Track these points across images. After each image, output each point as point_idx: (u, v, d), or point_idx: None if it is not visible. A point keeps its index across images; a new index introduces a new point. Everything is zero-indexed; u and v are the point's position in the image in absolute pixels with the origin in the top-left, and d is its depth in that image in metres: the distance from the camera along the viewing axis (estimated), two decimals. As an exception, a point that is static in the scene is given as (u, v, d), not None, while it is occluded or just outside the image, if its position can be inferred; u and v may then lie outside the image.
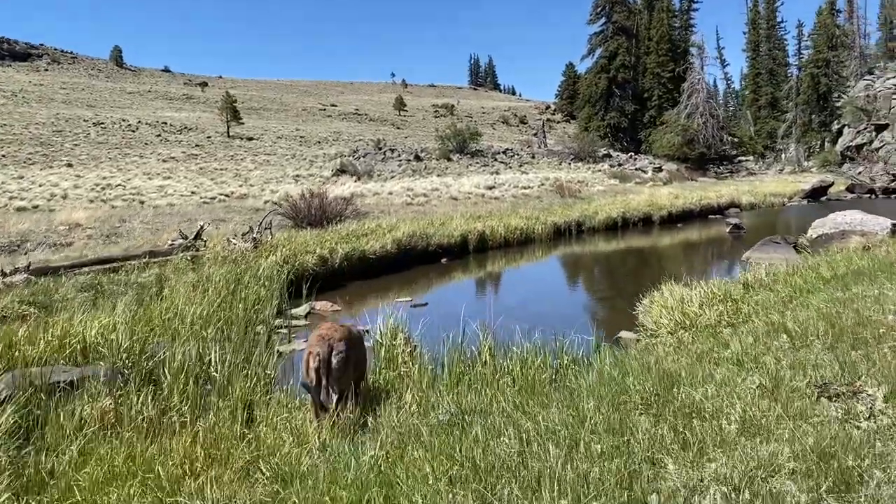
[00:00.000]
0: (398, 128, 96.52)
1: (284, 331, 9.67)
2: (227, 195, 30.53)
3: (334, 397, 5.74)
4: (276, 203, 21.74)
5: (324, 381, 5.77)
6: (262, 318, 9.79)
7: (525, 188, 32.98)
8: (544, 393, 5.00)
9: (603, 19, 75.76)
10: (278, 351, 8.63)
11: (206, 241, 13.16)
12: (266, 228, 13.82)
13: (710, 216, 28.81)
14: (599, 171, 48.53)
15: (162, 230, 18.28)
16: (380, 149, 54.90)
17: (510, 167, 49.40)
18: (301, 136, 71.31)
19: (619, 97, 73.63)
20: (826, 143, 67.58)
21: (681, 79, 69.67)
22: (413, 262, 16.44)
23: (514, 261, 18.46)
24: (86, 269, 10.71)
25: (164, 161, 49.99)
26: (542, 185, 34.66)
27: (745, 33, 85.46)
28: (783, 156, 72.44)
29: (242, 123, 71.96)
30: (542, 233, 20.94)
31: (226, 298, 10.02)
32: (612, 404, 4.10)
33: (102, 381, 5.96)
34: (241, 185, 35.14)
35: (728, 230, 22.26)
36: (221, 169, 45.65)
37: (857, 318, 5.41)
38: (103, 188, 32.50)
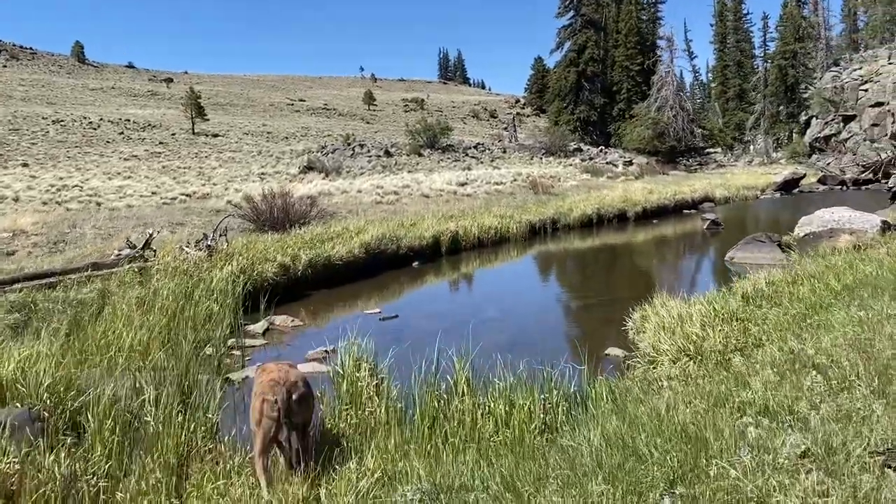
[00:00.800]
0: (368, 122, 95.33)
1: (239, 352, 8.73)
2: (188, 195, 29.31)
3: (299, 446, 4.91)
4: (235, 205, 20.68)
5: (284, 432, 4.92)
6: (215, 337, 8.85)
7: (497, 184, 32.20)
8: (538, 454, 4.18)
9: (571, 12, 75.08)
10: (227, 378, 7.72)
11: (155, 251, 12.13)
12: (222, 235, 12.84)
13: (684, 211, 28.28)
14: (571, 165, 47.93)
15: (115, 236, 17.18)
16: (349, 144, 53.80)
17: (482, 162, 48.62)
18: (268, 132, 69.90)
19: (589, 91, 73.05)
20: (794, 135, 67.73)
21: (650, 72, 69.34)
22: (382, 266, 15.55)
23: (488, 262, 17.65)
24: (18, 285, 9.67)
25: (125, 160, 48.41)
26: (515, 180, 33.92)
27: (712, 25, 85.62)
28: (751, 147, 72.50)
29: (207, 120, 70.28)
30: (517, 232, 20.16)
31: (174, 317, 9.07)
32: (627, 483, 3.28)
33: (8, 434, 5.00)
34: (203, 185, 33.89)
35: (705, 226, 21.66)
36: (184, 167, 44.26)
37: (893, 346, 4.66)
38: (59, 189, 31.07)
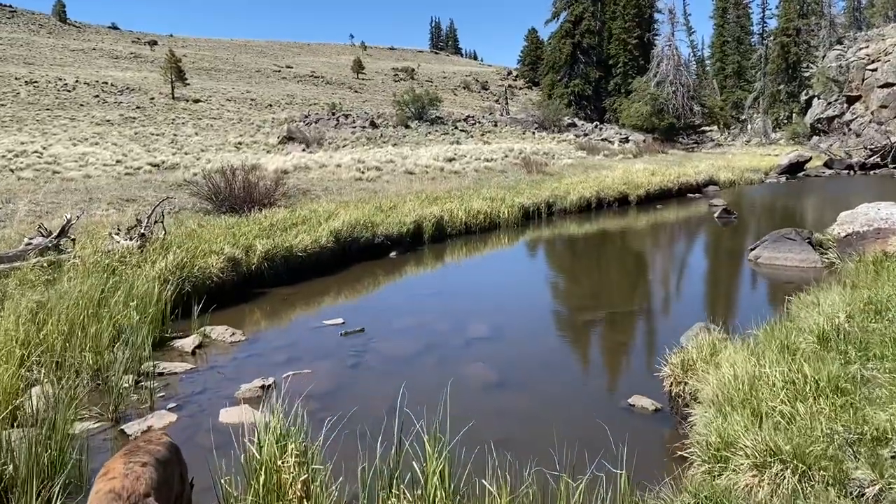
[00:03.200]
0: (356, 91, 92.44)
1: (153, 383, 6.73)
2: (155, 166, 27.09)
3: None
4: (188, 181, 18.51)
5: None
6: (127, 359, 6.84)
7: (488, 161, 30.16)
8: None
9: (569, -19, 72.48)
10: (122, 431, 5.75)
11: (74, 240, 10.05)
12: (157, 221, 10.75)
13: (688, 195, 26.37)
14: (565, 141, 45.86)
15: (52, 214, 15.07)
16: (333, 114, 51.55)
17: (472, 136, 46.49)
18: (251, 99, 67.16)
19: (584, 63, 70.67)
20: (794, 115, 65.77)
21: (647, 46, 67.11)
22: (354, 257, 13.54)
23: (476, 253, 15.67)
24: None
25: (97, 124, 45.93)
26: (506, 157, 31.89)
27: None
28: (749, 127, 70.37)
29: (188, 84, 67.58)
30: (509, 217, 18.16)
31: (72, 335, 7.06)
32: None
33: None
34: (174, 154, 31.63)
35: (716, 215, 19.70)
36: (158, 134, 41.84)
37: None
38: (16, 155, 28.68)
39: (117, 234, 10.38)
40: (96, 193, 18.45)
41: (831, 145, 48.96)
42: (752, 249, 13.58)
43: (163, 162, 28.00)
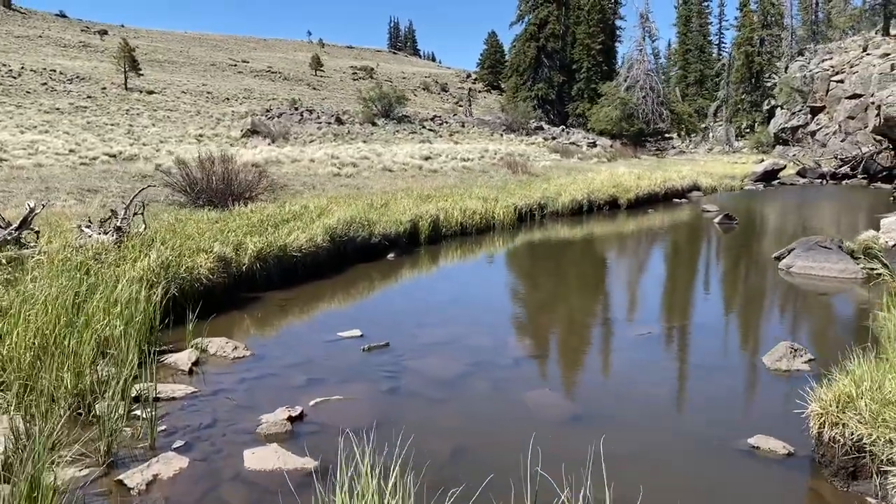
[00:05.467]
0: (314, 88, 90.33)
1: (148, 413, 5.36)
2: (112, 156, 25.28)
3: None
4: (163, 171, 16.93)
5: None
6: (114, 378, 5.48)
7: (465, 160, 29.01)
8: None
9: (533, -16, 71.91)
10: (120, 482, 4.40)
11: (38, 232, 8.55)
12: (137, 212, 9.31)
13: (674, 199, 25.61)
14: (534, 143, 45.05)
15: (5, 203, 13.40)
16: (296, 109, 49.86)
17: (440, 136, 45.34)
18: (208, 92, 64.83)
19: (548, 67, 70.09)
20: (757, 124, 66.13)
21: (611, 51, 66.76)
22: (350, 258, 12.23)
23: (480, 256, 14.49)
24: None
25: (45, 112, 43.50)
26: (483, 157, 30.79)
27: (676, 7, 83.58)
28: (710, 135, 70.55)
29: (142, 75, 65.04)
30: (504, 218, 17.02)
31: (51, 344, 5.68)
32: None
33: None
34: (131, 144, 29.78)
35: (717, 221, 18.86)
36: (112, 124, 39.73)
37: None
38: (-43, 141, 26.57)
39: (88, 226, 8.90)
40: (52, 183, 16.74)
41: (795, 155, 49.05)
42: (779, 258, 12.68)
43: (120, 152, 26.21)
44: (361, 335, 7.82)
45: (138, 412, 5.32)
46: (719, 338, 8.45)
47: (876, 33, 56.84)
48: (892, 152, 37.06)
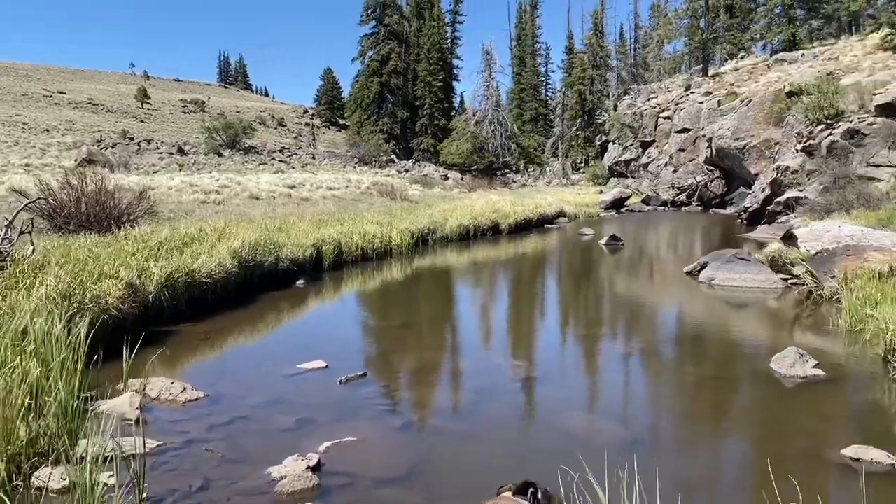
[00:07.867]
0: (142, 121, 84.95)
1: (115, 477, 3.91)
2: (-76, 185, 21.79)
3: None
4: (19, 191, 14.54)
5: None
6: (36, 440, 3.98)
7: (331, 189, 27.72)
8: None
9: (374, 21, 72.26)
10: None
11: None
12: (26, 231, 7.48)
13: (545, 225, 25.79)
14: (390, 175, 44.34)
15: None
16: (131, 139, 46.32)
17: (293, 167, 43.56)
18: (24, 123, 59.04)
19: (392, 103, 70.37)
20: (591, 158, 69.49)
21: (451, 89, 68.08)
22: (257, 286, 10.78)
23: (387, 282, 13.34)
24: None
25: None
26: (348, 186, 29.62)
27: (511, 49, 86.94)
28: (548, 169, 73.31)
29: (-57, 103, 58.15)
30: (402, 242, 16.04)
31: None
32: None
33: None
34: (-54, 174, 25.98)
35: (603, 242, 18.90)
36: (-86, 154, 34.84)
37: None
38: None
39: (-46, 249, 7.03)
40: None
41: (629, 185, 51.67)
42: (691, 272, 12.64)
43: (-66, 182, 22.69)
44: (326, 366, 6.58)
45: (106, 479, 3.85)
46: (715, 349, 7.94)
47: (692, 75, 61.73)
48: (723, 181, 39.88)
